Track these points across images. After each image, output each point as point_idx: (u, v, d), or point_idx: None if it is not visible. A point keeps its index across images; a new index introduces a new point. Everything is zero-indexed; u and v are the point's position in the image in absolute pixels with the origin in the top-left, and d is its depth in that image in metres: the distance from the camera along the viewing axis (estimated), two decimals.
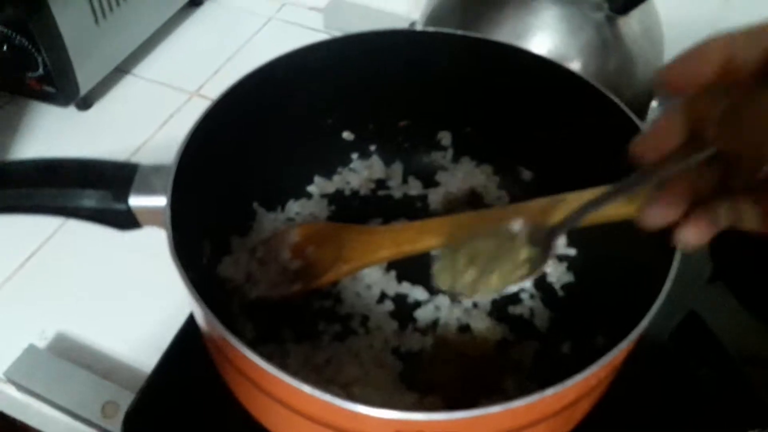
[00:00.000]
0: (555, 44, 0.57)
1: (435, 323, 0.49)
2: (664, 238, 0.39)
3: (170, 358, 0.48)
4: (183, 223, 0.39)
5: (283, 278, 0.48)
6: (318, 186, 0.57)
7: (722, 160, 0.30)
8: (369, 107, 0.56)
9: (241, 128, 0.48)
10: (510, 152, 0.56)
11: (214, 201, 0.47)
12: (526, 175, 0.57)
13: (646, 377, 0.49)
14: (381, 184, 0.58)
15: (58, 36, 0.62)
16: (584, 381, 0.33)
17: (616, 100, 0.46)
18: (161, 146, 0.70)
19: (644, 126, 0.46)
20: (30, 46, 0.61)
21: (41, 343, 0.53)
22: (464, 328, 0.49)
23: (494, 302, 0.51)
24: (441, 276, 0.42)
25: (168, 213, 0.37)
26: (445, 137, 0.58)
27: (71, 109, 0.71)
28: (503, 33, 0.57)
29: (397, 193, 0.57)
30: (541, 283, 0.52)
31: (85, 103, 0.71)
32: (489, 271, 0.40)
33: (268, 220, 0.53)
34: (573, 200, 0.40)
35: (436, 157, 0.59)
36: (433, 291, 0.51)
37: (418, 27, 0.65)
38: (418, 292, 0.51)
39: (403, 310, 0.50)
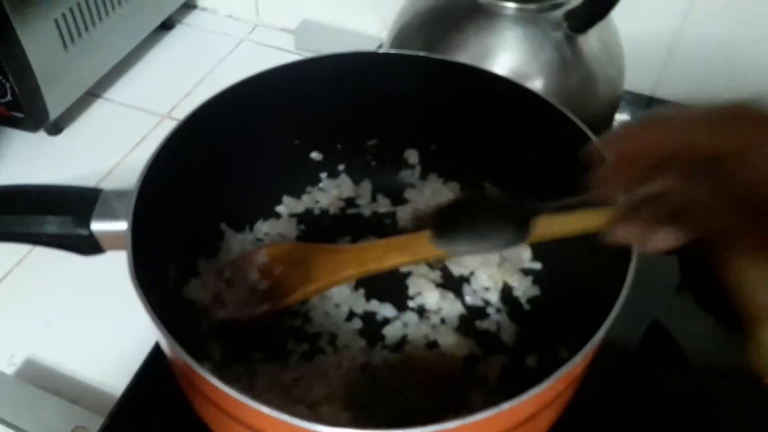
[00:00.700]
0: (517, 63, 0.58)
1: (403, 340, 0.50)
2: (624, 250, 0.40)
3: (139, 382, 0.49)
4: (146, 247, 0.39)
5: (251, 299, 0.48)
6: (287, 206, 0.57)
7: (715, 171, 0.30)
8: (336, 127, 0.57)
9: (208, 150, 0.48)
10: (476, 169, 0.57)
11: (180, 223, 0.47)
12: (492, 191, 0.57)
13: (614, 386, 0.50)
14: (350, 202, 0.58)
15: (25, 62, 0.62)
16: (541, 394, 0.34)
17: (574, 118, 0.47)
18: (133, 169, 0.68)
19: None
20: None
21: (9, 369, 0.53)
22: (432, 345, 0.49)
23: (461, 317, 0.51)
24: None
25: (129, 238, 0.37)
26: (412, 155, 0.59)
27: (41, 134, 0.71)
28: (466, 54, 0.58)
29: (367, 211, 0.58)
30: (508, 297, 0.53)
31: (55, 128, 0.71)
32: None
33: (236, 241, 0.53)
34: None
35: (405, 175, 0.59)
36: (401, 308, 0.51)
37: (384, 49, 0.66)
38: (386, 309, 0.51)
39: (372, 327, 0.50)
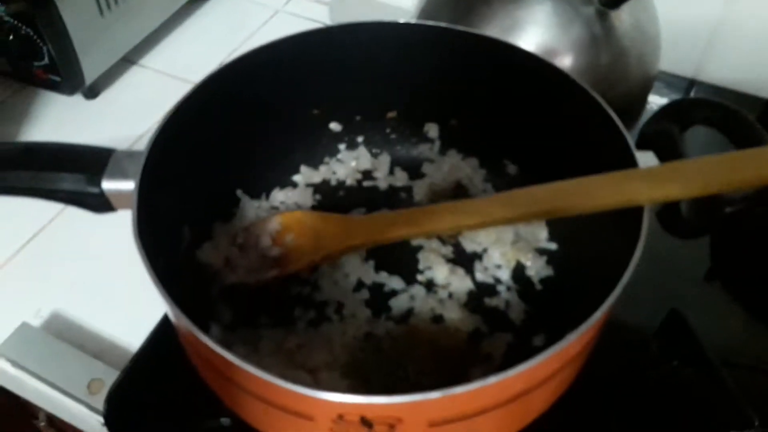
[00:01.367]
0: (545, 39, 0.56)
1: (409, 312, 0.50)
2: (636, 232, 0.39)
3: (154, 340, 0.50)
4: (156, 208, 0.40)
5: (261, 264, 0.49)
6: (304, 175, 0.58)
7: None
8: (357, 98, 0.57)
9: (225, 115, 0.49)
10: (496, 146, 0.56)
11: (196, 187, 0.48)
12: (512, 168, 0.57)
13: (626, 374, 0.49)
14: (367, 174, 0.58)
15: (62, 27, 0.64)
16: (531, 371, 0.33)
17: (599, 99, 0.46)
18: None
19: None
20: (35, 37, 0.63)
21: (36, 321, 0.55)
22: (438, 319, 0.49)
23: (470, 293, 0.51)
24: None
25: (135, 197, 0.38)
26: (432, 129, 0.58)
27: (78, 98, 0.73)
28: (493, 27, 0.57)
29: (383, 184, 0.58)
30: (520, 276, 0.52)
31: (91, 92, 0.73)
32: None
33: (252, 208, 0.54)
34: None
35: (423, 149, 0.59)
36: (409, 281, 0.51)
37: (411, 19, 0.65)
38: (394, 282, 0.51)
39: (379, 298, 0.50)
